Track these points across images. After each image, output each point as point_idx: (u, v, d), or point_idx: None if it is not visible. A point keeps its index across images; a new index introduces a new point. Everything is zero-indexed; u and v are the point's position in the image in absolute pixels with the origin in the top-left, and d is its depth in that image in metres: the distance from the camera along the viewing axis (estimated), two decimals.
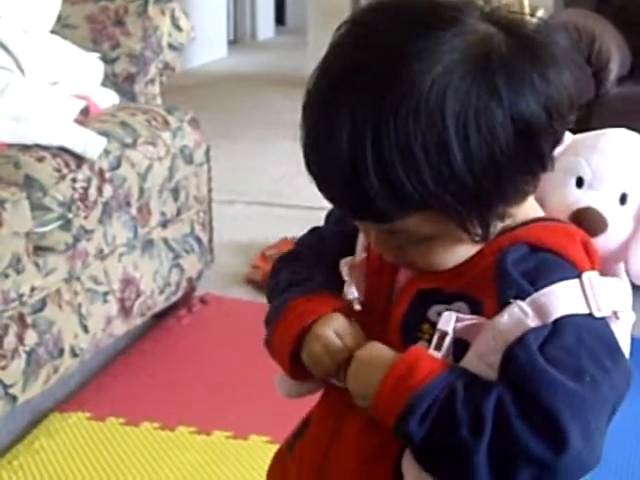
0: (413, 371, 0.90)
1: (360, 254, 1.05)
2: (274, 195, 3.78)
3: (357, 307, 1.03)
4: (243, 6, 7.88)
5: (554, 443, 0.85)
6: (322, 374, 1.01)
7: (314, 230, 1.14)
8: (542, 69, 0.89)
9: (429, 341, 0.94)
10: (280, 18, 8.55)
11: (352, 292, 1.03)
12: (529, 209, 0.98)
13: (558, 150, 1.07)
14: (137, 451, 2.12)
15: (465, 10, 0.90)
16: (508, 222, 0.95)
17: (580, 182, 1.06)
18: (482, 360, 0.90)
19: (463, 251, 0.95)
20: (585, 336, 0.89)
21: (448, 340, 0.92)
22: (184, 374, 2.46)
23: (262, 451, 2.08)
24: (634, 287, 1.03)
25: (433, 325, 0.95)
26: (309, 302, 1.03)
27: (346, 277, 1.04)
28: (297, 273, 1.08)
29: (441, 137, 0.85)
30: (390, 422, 0.91)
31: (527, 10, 4.94)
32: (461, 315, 0.93)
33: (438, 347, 0.93)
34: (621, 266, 1.03)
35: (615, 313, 0.94)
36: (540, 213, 1.01)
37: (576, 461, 0.86)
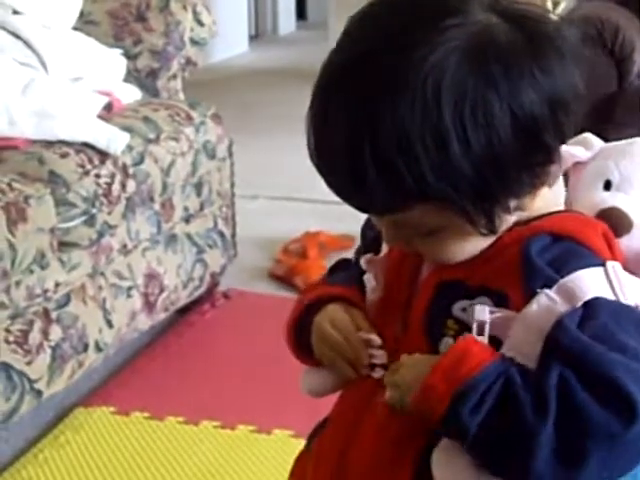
0: (463, 360, 0.89)
1: (384, 249, 1.05)
2: (296, 189, 3.78)
3: (373, 296, 1.03)
4: (264, 1, 7.89)
5: (623, 413, 0.83)
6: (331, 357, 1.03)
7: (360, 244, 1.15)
8: (545, 61, 0.87)
9: (454, 337, 0.94)
10: (301, 12, 8.54)
11: (370, 280, 1.04)
12: (550, 203, 0.98)
13: (588, 155, 1.09)
14: (161, 445, 2.12)
15: (470, 0, 0.89)
16: (526, 214, 0.95)
17: (608, 185, 1.06)
18: (517, 352, 0.90)
19: (474, 243, 0.94)
20: (617, 314, 0.89)
21: (487, 328, 0.91)
22: (208, 369, 2.47)
23: (286, 445, 2.08)
24: None
25: (458, 321, 0.94)
26: (320, 287, 1.07)
27: (364, 266, 1.05)
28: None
29: (438, 128, 0.84)
30: (438, 413, 0.88)
31: (549, 2, 4.92)
32: (493, 308, 0.92)
33: (480, 334, 0.92)
34: None
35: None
36: (561, 207, 1.00)
37: None
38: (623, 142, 1.10)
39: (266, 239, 3.27)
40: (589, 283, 0.90)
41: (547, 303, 0.89)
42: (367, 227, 1.10)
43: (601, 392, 0.84)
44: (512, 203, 0.91)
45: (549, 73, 0.88)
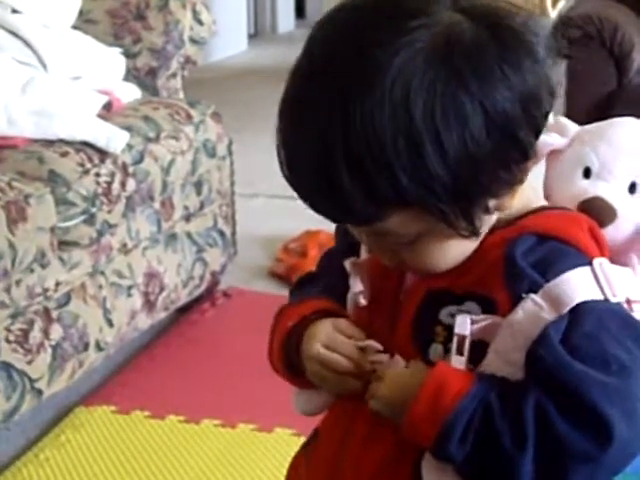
0: (442, 392, 0.88)
1: (364, 255, 1.03)
2: None
3: (362, 301, 1.01)
4: None
5: (600, 436, 0.83)
6: (333, 384, 1.00)
7: (327, 250, 1.12)
8: (513, 56, 0.86)
9: (443, 343, 0.93)
10: (300, 11, 8.53)
11: (357, 285, 1.01)
12: (530, 199, 0.96)
13: (564, 142, 1.05)
14: (162, 444, 2.13)
15: (434, 0, 0.87)
16: (508, 213, 0.93)
17: (588, 172, 1.02)
18: (503, 359, 0.89)
19: (458, 248, 0.92)
20: (605, 318, 0.88)
21: (468, 343, 0.90)
22: (208, 367, 2.47)
23: (287, 444, 2.08)
24: None
25: (446, 327, 0.93)
26: (294, 307, 1.05)
27: (350, 270, 1.03)
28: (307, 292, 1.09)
29: (409, 130, 0.82)
30: (427, 446, 0.89)
31: (549, 1, 4.91)
32: (475, 317, 0.91)
33: (460, 352, 0.91)
34: (634, 258, 0.98)
35: (629, 303, 0.91)
36: (543, 203, 0.99)
37: (623, 449, 0.85)
38: (600, 124, 1.06)
39: (266, 238, 3.27)
40: (576, 286, 0.88)
41: (533, 309, 0.88)
42: (342, 231, 1.06)
43: (578, 416, 0.84)
44: (491, 203, 0.90)
45: (518, 68, 0.86)
